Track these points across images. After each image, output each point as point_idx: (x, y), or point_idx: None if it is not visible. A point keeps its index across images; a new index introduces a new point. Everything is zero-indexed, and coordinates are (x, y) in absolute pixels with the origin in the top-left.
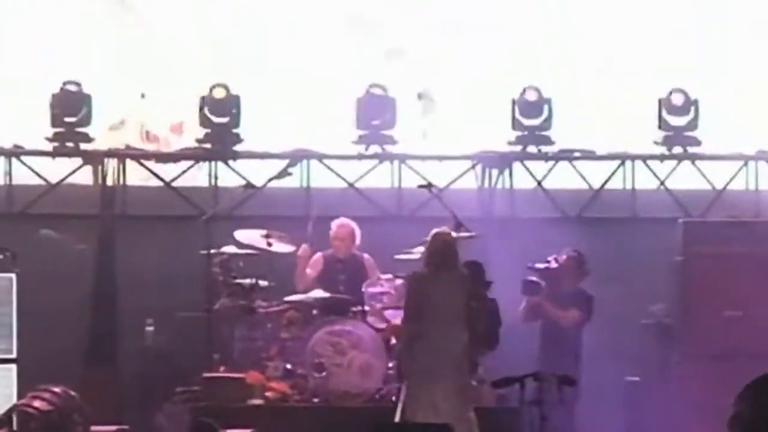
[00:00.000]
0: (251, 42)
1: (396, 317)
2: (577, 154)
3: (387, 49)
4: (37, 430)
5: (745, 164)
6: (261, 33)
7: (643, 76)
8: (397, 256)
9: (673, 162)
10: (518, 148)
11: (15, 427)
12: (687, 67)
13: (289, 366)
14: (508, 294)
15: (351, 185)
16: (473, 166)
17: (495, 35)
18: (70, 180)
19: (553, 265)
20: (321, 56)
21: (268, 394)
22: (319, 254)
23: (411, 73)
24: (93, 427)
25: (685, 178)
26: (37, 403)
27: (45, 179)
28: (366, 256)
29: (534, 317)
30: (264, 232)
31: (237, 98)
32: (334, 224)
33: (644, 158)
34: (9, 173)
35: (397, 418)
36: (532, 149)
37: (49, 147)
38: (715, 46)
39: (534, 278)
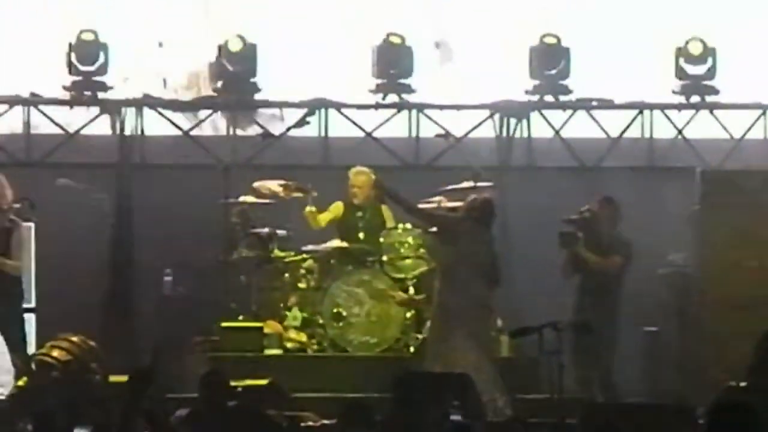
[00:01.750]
0: None
1: (414, 268)
2: (595, 104)
3: None
4: (56, 380)
5: (763, 113)
6: None
7: (661, 25)
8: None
9: (691, 111)
10: (536, 97)
11: (34, 377)
12: (705, 14)
13: (307, 315)
14: (526, 242)
15: (368, 134)
16: (491, 116)
17: None
18: (87, 129)
19: (588, 214)
20: (338, 4)
21: (286, 343)
22: (338, 201)
23: (428, 21)
24: (111, 377)
25: (702, 128)
26: (56, 353)
27: (63, 128)
28: (383, 205)
29: (574, 270)
30: (282, 181)
31: (254, 47)
32: (352, 172)
33: (662, 107)
34: (27, 122)
35: (416, 367)
36: (549, 98)
37: (66, 96)
38: None
39: (570, 230)
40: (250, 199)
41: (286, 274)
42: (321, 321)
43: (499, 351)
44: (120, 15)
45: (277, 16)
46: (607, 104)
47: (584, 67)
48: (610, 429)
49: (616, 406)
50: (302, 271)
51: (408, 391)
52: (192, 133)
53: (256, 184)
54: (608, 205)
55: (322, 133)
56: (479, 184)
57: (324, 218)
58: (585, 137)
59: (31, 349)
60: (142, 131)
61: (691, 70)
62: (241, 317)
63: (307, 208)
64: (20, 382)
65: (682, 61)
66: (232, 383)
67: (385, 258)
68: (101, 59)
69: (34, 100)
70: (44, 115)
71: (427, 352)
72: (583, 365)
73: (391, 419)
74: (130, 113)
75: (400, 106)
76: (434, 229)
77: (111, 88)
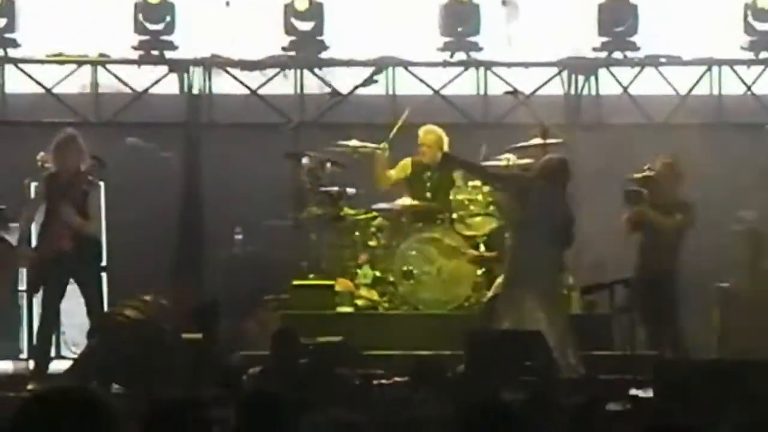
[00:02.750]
0: None
1: (484, 226)
2: (663, 60)
3: None
4: (128, 339)
5: None
6: None
7: None
8: (485, 164)
9: (760, 67)
10: (604, 54)
11: (107, 336)
12: None
13: (378, 273)
14: (594, 200)
15: (436, 92)
16: (559, 73)
17: None
18: (155, 89)
19: (651, 172)
20: None
21: (357, 301)
22: (407, 159)
23: None
24: (183, 335)
25: None
26: (128, 312)
27: (131, 87)
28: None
29: (637, 227)
30: (351, 140)
31: (320, 5)
32: (422, 130)
33: (731, 63)
34: (95, 82)
35: (487, 325)
36: (618, 55)
37: (134, 55)
38: None
39: (635, 187)
40: (319, 156)
41: (357, 233)
42: (391, 279)
43: (570, 308)
44: None
45: None
46: (675, 61)
47: (652, 23)
48: (685, 386)
49: (691, 362)
50: (372, 230)
51: (479, 349)
52: (260, 91)
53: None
54: (671, 164)
55: (390, 92)
56: (548, 141)
57: (392, 176)
58: (653, 94)
59: (103, 308)
60: (210, 90)
61: (760, 26)
62: (311, 275)
63: (376, 165)
64: (93, 341)
65: (750, 16)
66: (304, 341)
67: (455, 216)
68: (168, 18)
69: (102, 60)
70: (112, 74)
71: (498, 309)
72: (653, 322)
73: (463, 377)
74: (197, 72)
75: (467, 64)
76: (507, 190)
77: (178, 47)
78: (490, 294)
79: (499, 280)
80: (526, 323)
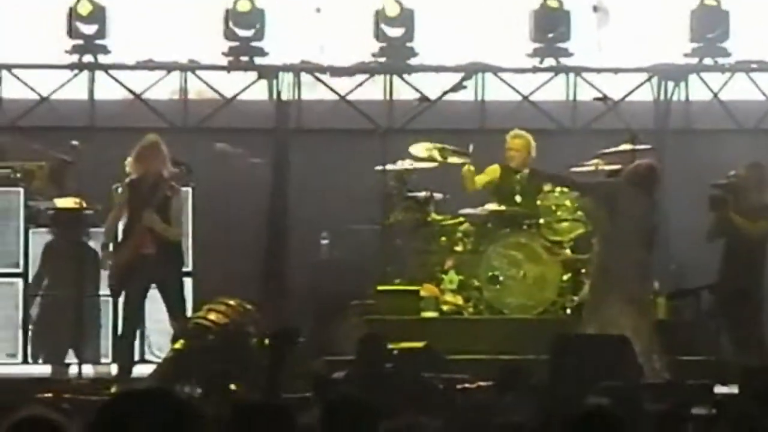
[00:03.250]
0: None
1: (571, 231)
2: (754, 66)
3: None
4: (212, 342)
5: None
6: None
7: None
8: (573, 169)
9: None
10: (695, 59)
11: (191, 339)
12: None
13: (463, 278)
14: (683, 206)
15: (525, 98)
16: (649, 79)
17: None
18: (244, 94)
19: (735, 178)
20: None
21: (442, 306)
22: (495, 165)
23: None
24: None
25: None
26: (212, 316)
27: (220, 93)
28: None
29: (721, 233)
30: (439, 145)
31: (411, 12)
32: (510, 135)
33: None
34: (185, 88)
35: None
36: (708, 61)
37: (224, 61)
38: None
39: (719, 193)
40: (407, 162)
41: (443, 238)
42: (477, 284)
43: (656, 313)
44: None
45: None
46: (766, 67)
47: (744, 29)
48: None
49: None
50: (459, 235)
51: (566, 354)
52: (349, 97)
53: (412, 149)
54: (756, 170)
55: (479, 97)
56: (637, 147)
57: (480, 180)
58: (744, 99)
59: (188, 312)
60: (299, 96)
61: None
62: (397, 281)
63: (465, 168)
64: (177, 345)
65: None
66: (389, 346)
67: (542, 221)
68: (258, 25)
69: (191, 66)
70: (201, 80)
71: (585, 314)
72: (739, 328)
73: (548, 382)
74: (287, 78)
75: (557, 70)
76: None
77: (268, 53)
78: (577, 300)
79: (587, 286)
80: (612, 329)
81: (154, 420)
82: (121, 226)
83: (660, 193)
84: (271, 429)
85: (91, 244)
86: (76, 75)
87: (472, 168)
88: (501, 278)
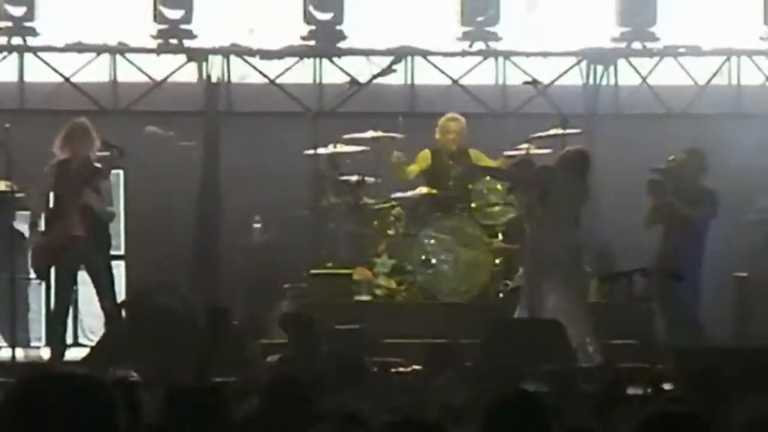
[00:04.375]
0: None
1: (502, 215)
2: (682, 50)
3: None
4: (146, 326)
5: None
6: None
7: None
8: (505, 153)
9: None
10: (623, 44)
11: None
12: None
13: (396, 262)
14: (613, 190)
15: (455, 82)
16: (578, 63)
17: None
18: (174, 77)
19: (674, 163)
20: None
21: (375, 290)
22: (426, 151)
23: None
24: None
25: None
26: (146, 299)
27: (150, 76)
28: (471, 151)
29: (659, 218)
30: (370, 129)
31: None
32: (445, 118)
33: (749, 54)
34: (114, 71)
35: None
36: (637, 45)
37: (153, 44)
38: None
39: (657, 178)
40: (338, 146)
41: (375, 221)
42: (410, 267)
43: (588, 297)
44: None
45: None
46: (694, 51)
47: (671, 13)
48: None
49: (708, 349)
50: (391, 218)
51: (499, 338)
52: (279, 81)
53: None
54: (695, 155)
55: (409, 81)
56: (567, 131)
57: (412, 170)
58: (672, 84)
59: (120, 296)
60: (229, 79)
61: None
62: (330, 264)
63: (395, 156)
64: (111, 328)
65: None
66: (322, 329)
67: (473, 205)
68: (187, 7)
69: (120, 49)
70: (131, 63)
71: (520, 298)
72: (671, 311)
73: (480, 364)
74: (216, 61)
75: (486, 54)
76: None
77: (197, 36)
78: (512, 284)
79: (520, 270)
80: (545, 313)
81: (60, 404)
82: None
83: (591, 178)
84: (205, 411)
85: (21, 227)
86: (5, 57)
87: (402, 157)
88: (433, 262)
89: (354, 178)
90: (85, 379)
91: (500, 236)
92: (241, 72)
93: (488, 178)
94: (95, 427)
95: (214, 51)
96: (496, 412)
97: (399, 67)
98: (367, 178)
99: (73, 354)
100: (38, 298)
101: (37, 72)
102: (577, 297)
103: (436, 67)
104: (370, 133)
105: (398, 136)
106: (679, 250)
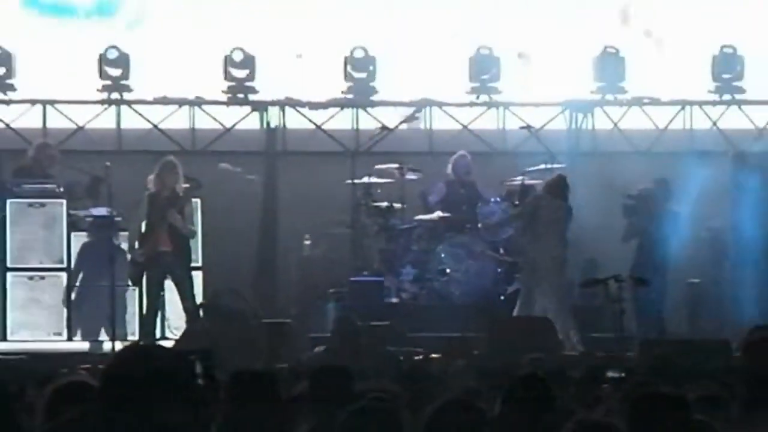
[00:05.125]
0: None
1: (503, 234)
2: (646, 101)
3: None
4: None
5: None
6: (397, 5)
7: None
8: (505, 183)
9: (723, 107)
10: (599, 96)
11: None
12: (733, 27)
13: (418, 272)
14: (592, 212)
15: (465, 127)
16: (562, 111)
17: (575, 4)
18: (241, 124)
19: (645, 191)
20: (440, 25)
21: (402, 294)
22: (442, 183)
23: (513, 36)
24: (263, 320)
25: (733, 120)
26: (219, 302)
27: (221, 123)
28: (477, 182)
29: (633, 235)
30: (396, 165)
31: (373, 58)
32: (457, 156)
33: (700, 104)
34: (193, 119)
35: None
36: (610, 97)
37: (223, 98)
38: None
39: (631, 202)
40: (371, 179)
41: (401, 239)
42: (429, 276)
43: (571, 299)
44: (265, 32)
45: (393, 31)
46: (655, 101)
47: (637, 71)
48: (663, 360)
49: (668, 341)
50: (414, 236)
51: (501, 333)
52: (324, 126)
53: (376, 168)
54: (662, 185)
55: (428, 126)
56: (554, 165)
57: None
58: (638, 128)
59: (199, 299)
60: (284, 125)
61: (723, 73)
62: (365, 273)
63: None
64: (191, 325)
65: (716, 66)
66: (359, 325)
67: (480, 225)
68: (250, 68)
69: (198, 101)
70: (206, 113)
71: (517, 300)
72: (639, 310)
73: (487, 355)
74: (274, 111)
75: (490, 104)
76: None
77: (258, 91)
78: (510, 289)
79: (518, 277)
80: (539, 311)
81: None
82: (142, 230)
83: (571, 199)
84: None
85: (120, 244)
86: (105, 109)
87: None
88: (448, 271)
89: (384, 204)
90: (172, 351)
91: (501, 250)
92: (294, 120)
93: (491, 203)
94: (182, 388)
95: (273, 103)
96: (514, 390)
97: (420, 115)
98: (394, 204)
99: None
100: (133, 301)
101: (131, 120)
102: (562, 299)
103: (449, 115)
104: (396, 168)
105: (418, 170)
106: (646, 260)
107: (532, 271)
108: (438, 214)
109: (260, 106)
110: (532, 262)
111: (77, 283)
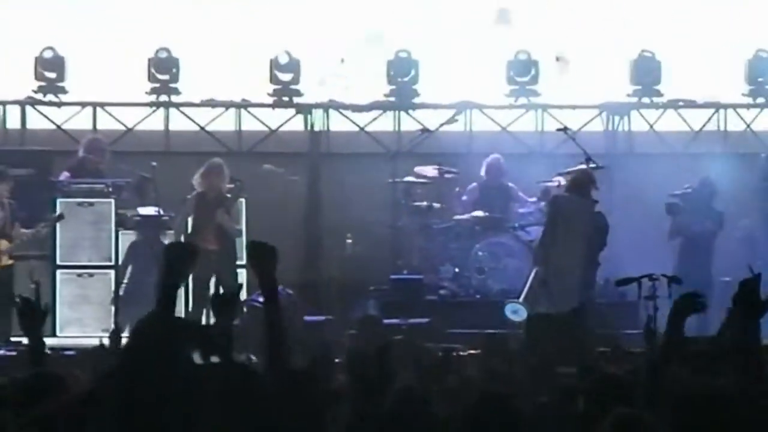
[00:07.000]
0: (428, 16)
1: (538, 232)
2: (681, 104)
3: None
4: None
5: None
6: (438, 10)
7: (733, 37)
8: (541, 183)
9: (757, 109)
10: (635, 98)
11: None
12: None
13: (456, 269)
14: (628, 212)
15: (504, 129)
16: (599, 114)
17: (612, 8)
18: (285, 126)
19: (689, 190)
20: (481, 31)
21: (440, 291)
22: (475, 184)
23: (551, 39)
24: (306, 317)
25: (766, 122)
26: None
27: (267, 125)
28: (511, 184)
29: (677, 234)
30: (436, 165)
31: (416, 61)
32: (490, 158)
33: (734, 106)
34: (239, 121)
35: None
36: (646, 100)
37: (269, 100)
38: None
39: (675, 201)
40: (412, 179)
41: (440, 237)
42: (467, 273)
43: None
44: (309, 37)
45: (435, 34)
46: (690, 104)
47: (673, 75)
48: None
49: (696, 338)
50: (452, 235)
51: (535, 328)
52: (367, 128)
53: (416, 168)
54: (706, 183)
55: (468, 128)
56: (590, 167)
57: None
58: (673, 130)
59: (243, 296)
60: (328, 127)
61: (757, 76)
62: (405, 271)
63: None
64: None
65: (749, 69)
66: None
67: (516, 224)
68: (295, 71)
69: (244, 104)
70: (252, 115)
71: (551, 296)
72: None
73: (526, 350)
74: (318, 114)
75: (528, 107)
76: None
77: (303, 94)
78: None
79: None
80: (569, 306)
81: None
82: (189, 229)
83: (606, 201)
84: (306, 389)
85: (166, 242)
86: (154, 111)
87: None
88: (486, 269)
89: (424, 203)
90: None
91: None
92: (338, 122)
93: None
94: None
95: (317, 105)
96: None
97: (460, 117)
98: (434, 204)
99: None
100: (180, 298)
101: (179, 122)
102: (590, 294)
103: (489, 117)
104: (435, 168)
105: (456, 171)
106: (690, 259)
107: (562, 268)
108: (476, 213)
109: (304, 109)
110: (557, 260)
111: (125, 281)
